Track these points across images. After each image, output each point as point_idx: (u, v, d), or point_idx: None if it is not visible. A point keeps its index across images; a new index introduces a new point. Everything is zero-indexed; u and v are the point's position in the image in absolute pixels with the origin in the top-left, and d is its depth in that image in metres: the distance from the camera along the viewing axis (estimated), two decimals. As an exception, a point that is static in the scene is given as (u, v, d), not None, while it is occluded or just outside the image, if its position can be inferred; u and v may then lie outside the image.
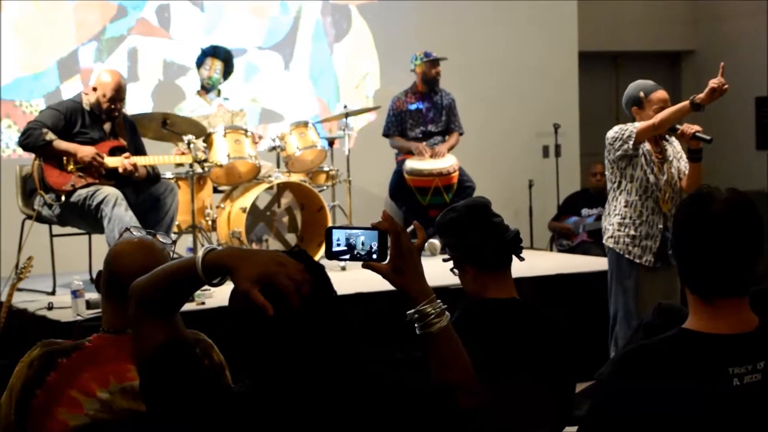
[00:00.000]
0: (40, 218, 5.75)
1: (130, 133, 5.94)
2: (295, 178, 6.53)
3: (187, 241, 6.32)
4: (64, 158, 5.59)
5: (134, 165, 5.69)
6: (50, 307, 5.17)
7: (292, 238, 6.72)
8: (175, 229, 6.01)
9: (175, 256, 5.17)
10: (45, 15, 7.46)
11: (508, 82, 9.08)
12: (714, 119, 8.22)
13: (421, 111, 7.46)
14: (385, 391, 1.89)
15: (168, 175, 6.21)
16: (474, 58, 8.84)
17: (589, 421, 1.96)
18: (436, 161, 7.17)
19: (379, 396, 1.87)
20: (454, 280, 2.82)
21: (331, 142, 7.05)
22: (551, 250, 8.57)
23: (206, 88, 6.79)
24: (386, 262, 2.01)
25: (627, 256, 4.87)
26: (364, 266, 2.02)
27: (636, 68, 9.90)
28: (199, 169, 6.03)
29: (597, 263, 6.32)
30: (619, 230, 4.88)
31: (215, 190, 6.60)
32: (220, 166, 6.16)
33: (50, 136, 5.55)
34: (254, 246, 6.36)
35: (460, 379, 1.99)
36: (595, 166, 8.44)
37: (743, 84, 9.37)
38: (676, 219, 2.03)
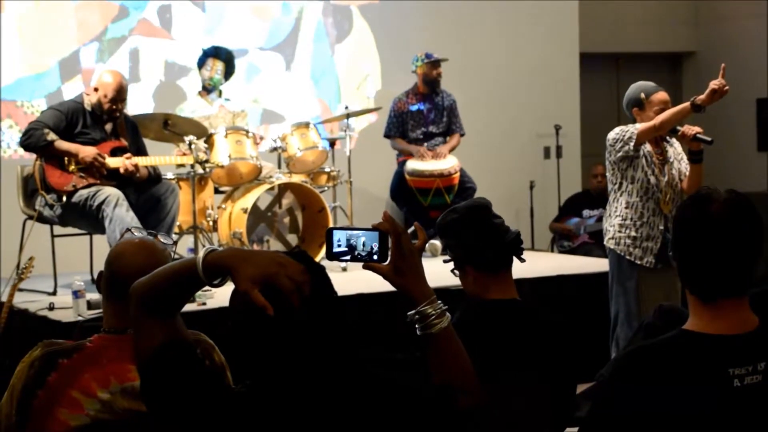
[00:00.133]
0: (41, 218, 5.75)
1: (132, 133, 5.94)
2: (297, 178, 6.53)
3: (188, 241, 6.32)
4: (66, 159, 5.59)
5: (135, 165, 5.69)
6: (51, 308, 5.17)
7: (293, 239, 6.73)
8: (176, 229, 6.02)
9: (176, 256, 5.17)
10: (46, 15, 7.47)
11: (509, 84, 9.08)
12: (715, 121, 8.23)
13: (422, 112, 7.46)
14: (386, 391, 1.89)
15: (169, 175, 6.22)
16: (475, 59, 8.84)
17: (590, 422, 1.97)
18: (437, 162, 7.17)
19: (379, 396, 1.87)
20: (454, 281, 2.82)
21: (332, 143, 7.05)
22: (552, 251, 8.58)
23: (207, 89, 6.80)
24: (387, 263, 2.01)
25: (628, 257, 4.87)
26: (364, 267, 2.02)
27: (637, 69, 9.91)
28: (200, 170, 6.03)
29: (598, 264, 6.32)
30: (619, 231, 4.88)
31: (216, 191, 6.60)
32: (222, 166, 6.16)
33: (52, 136, 5.55)
34: (255, 247, 6.37)
35: (460, 379, 2.00)
36: (596, 168, 8.44)
37: (744, 85, 9.38)
38: (676, 220, 2.04)
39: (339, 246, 1.99)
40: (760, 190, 9.44)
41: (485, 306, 2.71)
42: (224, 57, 6.79)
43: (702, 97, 4.62)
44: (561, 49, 9.34)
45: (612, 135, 4.84)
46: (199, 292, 4.91)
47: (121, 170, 5.65)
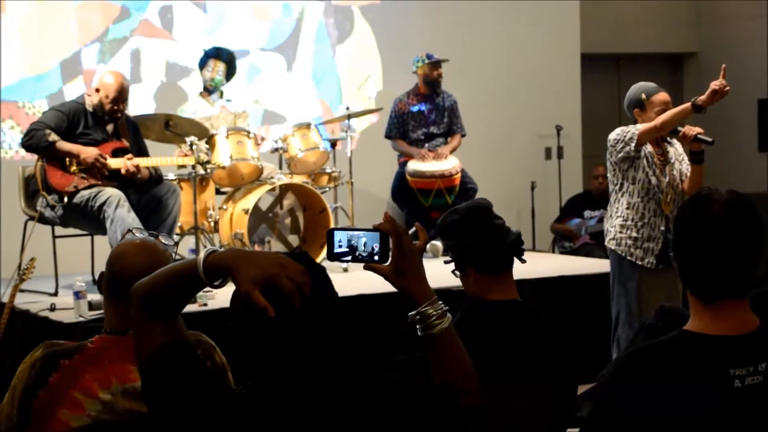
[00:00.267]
0: (42, 219, 5.76)
1: (133, 134, 5.95)
2: (298, 179, 6.54)
3: (189, 242, 6.32)
4: (67, 159, 5.60)
5: (137, 166, 5.70)
6: (53, 308, 5.17)
7: (294, 240, 6.73)
8: (177, 230, 6.02)
9: (177, 257, 5.16)
10: (47, 16, 7.47)
11: (511, 84, 9.08)
12: (716, 121, 8.23)
13: (423, 113, 7.46)
14: (387, 392, 1.89)
15: (170, 176, 6.22)
16: (476, 60, 8.84)
17: (591, 422, 1.97)
18: (438, 163, 7.18)
19: (380, 397, 1.87)
20: (455, 281, 2.83)
21: (333, 144, 7.05)
22: (553, 252, 8.57)
23: (209, 90, 6.80)
24: (388, 263, 2.01)
25: (629, 257, 4.86)
26: (365, 268, 2.02)
27: (638, 70, 9.91)
28: (201, 171, 6.03)
29: (599, 265, 6.32)
30: (620, 232, 4.88)
31: (217, 192, 6.61)
32: (223, 167, 6.17)
33: (53, 137, 5.55)
34: (256, 247, 6.37)
35: (461, 380, 2.00)
36: (597, 169, 8.45)
37: (745, 86, 9.38)
38: (677, 221, 2.04)
39: (340, 247, 1.99)
40: (761, 191, 9.43)
41: (486, 307, 2.71)
42: (225, 58, 6.80)
43: (703, 97, 4.62)
44: (562, 49, 9.34)
45: (613, 136, 4.84)
46: (200, 293, 4.91)
47: (123, 171, 5.65)
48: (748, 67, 9.80)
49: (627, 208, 4.87)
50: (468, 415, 1.99)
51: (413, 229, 2.19)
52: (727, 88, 4.58)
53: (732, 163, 9.84)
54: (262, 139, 6.69)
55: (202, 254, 1.81)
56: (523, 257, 2.80)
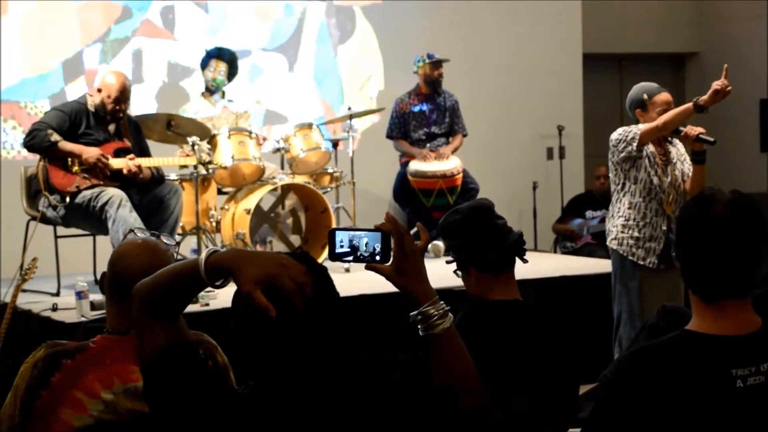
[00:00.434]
0: (44, 219, 5.76)
1: (135, 134, 5.95)
2: (299, 179, 6.54)
3: (191, 242, 6.32)
4: (69, 159, 5.60)
5: (139, 166, 5.70)
6: (55, 308, 5.17)
7: (296, 240, 6.73)
8: (179, 230, 6.02)
9: (179, 257, 5.17)
10: (49, 16, 7.47)
11: (512, 84, 9.07)
12: (718, 121, 8.23)
13: (425, 113, 7.46)
14: (388, 392, 1.89)
15: (172, 176, 6.22)
16: (478, 60, 8.84)
17: (593, 422, 1.97)
18: (439, 163, 7.17)
19: (381, 397, 1.87)
20: (457, 281, 2.83)
21: (335, 144, 7.06)
22: (555, 252, 8.57)
23: (210, 90, 6.81)
24: (389, 263, 2.01)
25: (630, 257, 4.86)
26: (367, 268, 2.02)
27: (640, 70, 9.90)
28: (203, 171, 6.04)
29: (601, 265, 6.32)
30: (622, 232, 4.88)
31: (219, 192, 6.61)
32: (225, 167, 6.17)
33: (55, 137, 5.56)
34: (258, 248, 6.37)
35: (462, 380, 2.00)
36: (599, 169, 8.45)
37: (747, 86, 9.37)
38: (680, 221, 2.04)
39: (341, 247, 1.99)
40: (762, 191, 9.43)
41: (488, 307, 2.71)
42: (227, 58, 6.82)
43: (705, 97, 4.62)
44: (564, 49, 9.34)
45: (615, 136, 4.84)
46: (202, 293, 4.91)
47: (125, 171, 5.65)
48: (749, 67, 9.79)
49: (629, 208, 4.87)
50: (469, 415, 1.99)
51: (415, 229, 2.19)
52: (729, 88, 4.58)
53: (734, 163, 9.84)
54: (264, 139, 6.70)
55: (203, 254, 1.81)
56: (525, 257, 2.80)
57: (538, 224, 8.78)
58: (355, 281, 5.26)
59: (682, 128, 4.77)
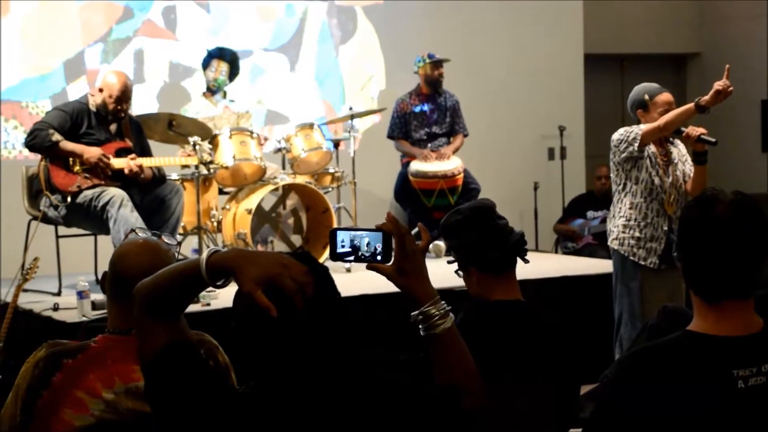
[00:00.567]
0: (45, 219, 5.76)
1: (136, 134, 5.95)
2: (301, 179, 6.54)
3: (192, 242, 6.32)
4: (71, 159, 5.60)
5: (140, 166, 5.70)
6: (56, 308, 5.18)
7: (297, 240, 6.73)
8: (180, 230, 6.02)
9: (180, 257, 5.17)
10: (51, 16, 7.48)
11: (514, 84, 9.07)
12: (719, 122, 8.23)
13: (425, 113, 7.46)
14: (389, 392, 1.89)
15: (173, 176, 6.22)
16: (479, 60, 8.84)
17: (594, 423, 1.97)
18: (441, 163, 7.17)
19: (382, 397, 1.87)
20: (458, 282, 2.82)
21: (336, 144, 7.06)
22: (556, 252, 8.57)
23: (212, 90, 6.81)
24: (390, 263, 2.01)
25: (632, 258, 4.86)
26: (368, 268, 2.02)
27: (641, 70, 9.90)
28: (204, 171, 6.04)
29: (602, 265, 6.32)
30: (623, 232, 4.88)
31: (221, 192, 6.61)
32: (226, 167, 6.17)
33: (57, 137, 5.56)
34: (259, 248, 6.37)
35: (464, 380, 2.00)
36: (600, 169, 8.45)
37: (749, 86, 9.37)
38: (681, 221, 2.04)
39: (343, 247, 1.99)
40: (764, 192, 9.43)
41: (489, 307, 2.71)
42: (228, 58, 6.81)
43: (706, 98, 4.62)
44: (565, 50, 9.34)
45: (616, 136, 4.84)
46: (204, 293, 4.92)
47: (126, 171, 5.66)
48: (751, 68, 9.79)
49: (630, 209, 4.87)
50: (471, 415, 1.99)
51: (416, 229, 2.19)
52: (731, 88, 4.58)
53: (735, 164, 9.84)
54: (265, 139, 6.70)
55: (204, 254, 1.81)
56: (526, 257, 2.80)
57: (539, 224, 8.78)
58: (356, 281, 5.26)
59: (683, 129, 4.77)
